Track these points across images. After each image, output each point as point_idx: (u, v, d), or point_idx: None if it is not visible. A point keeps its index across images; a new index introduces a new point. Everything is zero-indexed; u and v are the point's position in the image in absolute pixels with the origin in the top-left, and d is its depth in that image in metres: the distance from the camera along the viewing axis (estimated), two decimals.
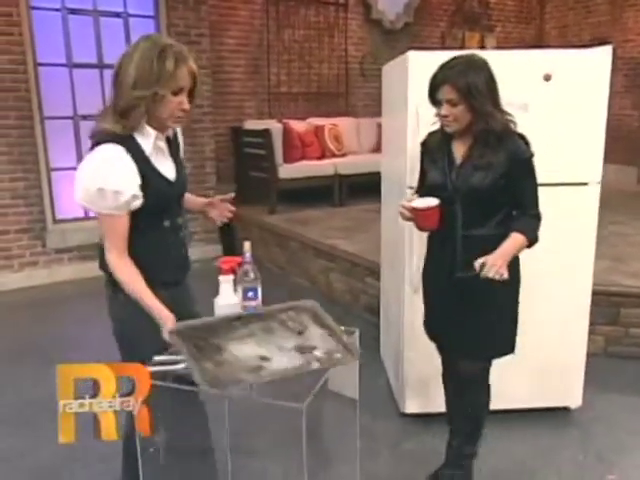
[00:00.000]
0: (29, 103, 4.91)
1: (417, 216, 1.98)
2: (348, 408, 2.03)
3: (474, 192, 1.94)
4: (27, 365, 3.43)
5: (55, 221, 5.25)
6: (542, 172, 2.53)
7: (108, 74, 5.01)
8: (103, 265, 1.76)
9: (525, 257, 2.57)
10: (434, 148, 2.05)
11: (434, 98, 1.93)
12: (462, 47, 7.96)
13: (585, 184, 2.61)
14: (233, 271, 1.73)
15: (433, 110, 1.99)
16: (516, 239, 1.94)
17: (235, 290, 1.73)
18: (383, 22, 7.45)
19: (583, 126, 2.55)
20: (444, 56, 1.96)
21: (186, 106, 1.66)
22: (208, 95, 5.73)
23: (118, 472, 2.04)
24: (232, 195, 2.05)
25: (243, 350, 1.46)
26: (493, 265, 1.82)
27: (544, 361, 2.75)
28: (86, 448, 2.23)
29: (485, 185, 1.92)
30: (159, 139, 1.70)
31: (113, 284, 1.74)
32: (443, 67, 1.91)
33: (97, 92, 5.25)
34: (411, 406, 2.80)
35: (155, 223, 1.76)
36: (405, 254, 2.64)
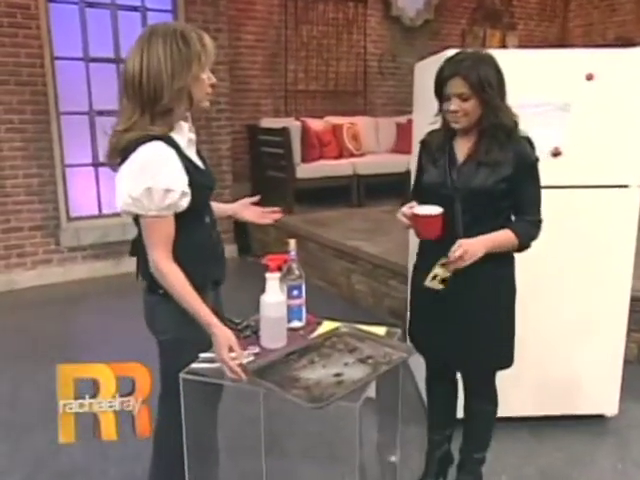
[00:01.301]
0: (45, 97, 4.97)
1: (418, 224, 1.91)
2: (386, 416, 2.08)
3: (475, 193, 1.91)
4: (43, 364, 3.46)
5: (69, 219, 5.31)
6: (581, 174, 2.59)
7: None
8: (144, 272, 1.75)
9: (563, 262, 2.62)
10: (434, 147, 2.02)
11: (441, 93, 1.90)
12: (483, 45, 7.98)
13: (626, 186, 2.62)
14: (279, 269, 1.76)
15: None
16: (505, 234, 1.91)
17: (281, 288, 1.75)
18: (403, 19, 7.49)
19: (625, 126, 2.56)
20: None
21: (214, 79, 1.66)
22: (225, 92, 5.77)
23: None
24: (257, 198, 2.08)
25: (316, 374, 1.58)
26: (466, 248, 1.79)
27: (579, 368, 2.77)
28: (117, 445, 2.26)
29: (487, 187, 1.89)
30: (191, 131, 1.71)
31: (158, 291, 1.70)
32: (451, 60, 1.90)
33: (113, 87, 5.25)
34: None
35: (199, 220, 1.76)
36: None
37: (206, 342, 1.70)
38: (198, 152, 1.80)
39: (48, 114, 5.01)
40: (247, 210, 2.06)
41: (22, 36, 4.77)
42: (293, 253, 1.81)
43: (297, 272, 1.80)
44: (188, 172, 1.65)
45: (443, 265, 1.85)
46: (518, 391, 2.69)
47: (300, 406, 1.43)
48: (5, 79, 4.77)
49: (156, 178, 1.57)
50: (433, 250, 1.93)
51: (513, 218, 1.99)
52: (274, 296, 1.73)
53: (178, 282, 1.63)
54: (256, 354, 1.69)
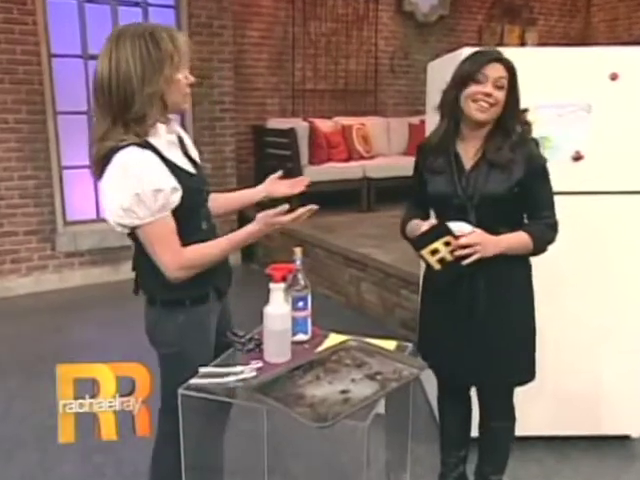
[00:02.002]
0: (42, 96, 5.00)
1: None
2: (396, 434, 2.06)
3: (489, 200, 1.91)
4: (36, 378, 3.46)
5: (66, 223, 5.32)
6: (603, 179, 2.56)
7: None
8: (144, 285, 1.78)
9: (583, 271, 2.59)
10: (435, 154, 2.00)
11: (477, 74, 1.86)
12: (501, 42, 7.97)
13: None
14: (284, 279, 1.75)
15: None
16: (519, 236, 1.92)
17: (286, 299, 1.74)
18: (416, 15, 7.48)
19: None
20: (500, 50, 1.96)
21: (192, 79, 1.66)
22: (229, 91, 5.78)
23: None
24: (280, 173, 2.05)
25: (321, 391, 1.56)
26: (478, 240, 1.80)
27: (602, 383, 2.73)
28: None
29: (501, 192, 1.90)
30: (168, 132, 1.70)
31: (171, 303, 1.73)
32: (485, 51, 1.93)
33: None
34: None
35: (194, 227, 1.74)
36: None
37: (208, 355, 1.73)
38: (186, 153, 1.79)
39: (44, 114, 5.04)
40: (278, 185, 2.03)
41: (18, 32, 4.80)
42: (299, 262, 1.80)
43: (303, 282, 1.79)
44: (172, 174, 1.64)
45: (447, 244, 1.82)
46: (536, 408, 2.65)
47: (305, 425, 1.41)
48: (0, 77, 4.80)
49: (141, 181, 1.56)
50: None
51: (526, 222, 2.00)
52: (278, 308, 1.72)
53: (203, 256, 1.68)
54: (259, 369, 1.68)
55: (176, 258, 1.63)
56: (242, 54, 6.38)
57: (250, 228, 1.74)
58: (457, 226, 1.85)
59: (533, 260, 2.06)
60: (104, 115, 1.60)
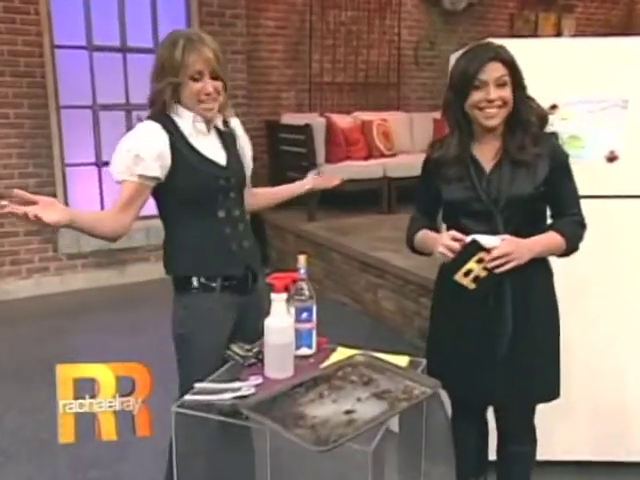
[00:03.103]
0: (44, 90, 5.05)
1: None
2: (410, 453, 2.03)
3: (515, 201, 1.88)
4: (33, 388, 3.47)
5: None
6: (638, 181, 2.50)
7: (132, 59, 5.14)
8: (167, 263, 1.98)
9: (616, 280, 2.53)
10: (453, 161, 1.94)
11: (474, 80, 1.83)
12: (535, 32, 7.87)
13: None
14: (286, 289, 1.73)
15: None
16: (552, 236, 1.90)
17: (288, 310, 1.72)
18: (443, 2, 7.44)
19: None
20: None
21: (208, 90, 1.85)
22: (242, 84, 5.79)
23: None
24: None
25: (324, 410, 1.54)
26: (510, 248, 1.77)
27: (635, 402, 2.66)
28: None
29: (528, 192, 1.88)
30: (197, 121, 1.89)
31: (180, 284, 1.94)
32: (479, 48, 1.90)
33: (119, 79, 5.37)
34: None
35: (208, 212, 1.90)
36: None
37: (215, 346, 1.88)
38: (230, 150, 1.99)
39: (47, 108, 5.08)
40: (319, 180, 2.35)
41: (19, 22, 4.85)
42: (303, 271, 1.78)
43: (307, 292, 1.77)
44: (180, 152, 1.86)
45: (480, 261, 1.79)
46: (560, 430, 2.61)
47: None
48: (0, 69, 4.84)
49: (131, 143, 1.83)
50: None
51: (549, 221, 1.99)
52: (280, 320, 1.70)
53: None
54: (258, 385, 1.66)
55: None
56: (256, 45, 6.39)
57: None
58: (485, 239, 1.81)
59: (559, 269, 2.02)
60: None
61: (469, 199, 1.92)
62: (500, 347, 1.94)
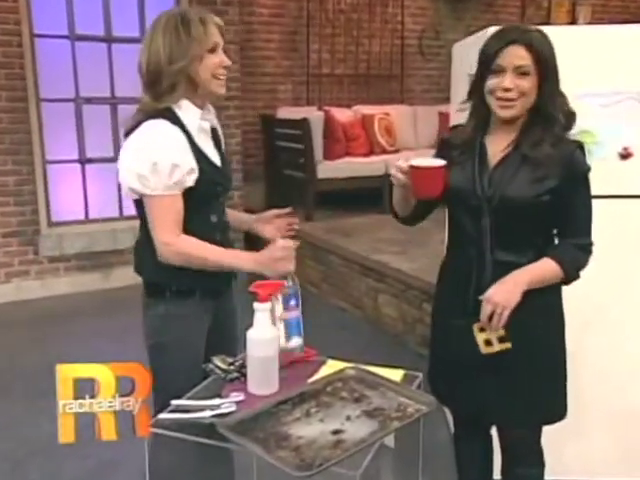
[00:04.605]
0: (24, 82, 5.01)
1: (416, 177, 1.81)
2: (404, 467, 1.99)
3: (509, 204, 1.81)
4: (14, 402, 3.43)
5: (50, 224, 5.32)
6: None
7: (117, 49, 5.09)
8: (141, 267, 1.96)
9: (628, 287, 2.50)
10: (460, 146, 1.92)
11: (492, 63, 1.77)
12: (548, 19, 7.84)
13: None
14: (271, 298, 1.69)
15: None
16: (546, 265, 1.82)
17: (273, 322, 1.69)
18: None
19: None
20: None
21: (228, 62, 1.87)
22: (236, 76, 5.74)
23: None
24: (289, 210, 2.15)
25: (310, 430, 1.51)
26: (495, 300, 1.73)
27: None
28: None
29: (526, 197, 1.79)
30: (203, 119, 1.89)
31: (153, 291, 1.93)
32: (506, 28, 1.82)
33: (104, 70, 5.33)
34: None
35: (203, 217, 1.91)
36: None
37: (192, 355, 1.91)
38: (219, 147, 2.00)
39: (26, 101, 5.04)
40: (266, 226, 2.14)
41: None
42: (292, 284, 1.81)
43: (291, 281, 1.82)
44: (195, 159, 1.84)
45: (482, 329, 1.81)
46: (570, 449, 2.58)
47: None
48: None
49: (163, 152, 1.77)
50: (454, 277, 1.94)
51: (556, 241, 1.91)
52: (263, 331, 1.66)
53: (189, 247, 1.82)
54: (240, 402, 1.62)
55: (172, 240, 1.80)
56: (250, 34, 6.37)
57: (251, 264, 1.84)
58: (427, 161, 1.85)
59: None
60: (146, 93, 1.86)
61: (466, 191, 1.86)
62: (495, 363, 1.88)
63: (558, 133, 1.80)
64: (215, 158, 1.94)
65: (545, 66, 1.76)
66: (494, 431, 2.14)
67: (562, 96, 1.83)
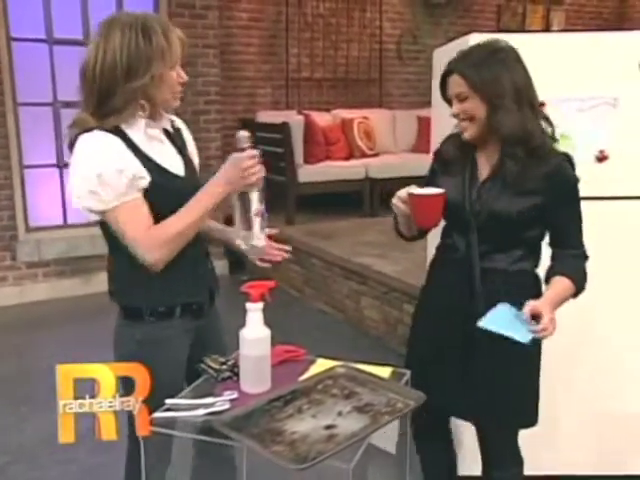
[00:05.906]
0: (0, 86, 4.99)
1: (415, 205, 1.86)
2: (390, 468, 2.05)
3: (496, 219, 1.88)
4: None
5: (28, 229, 5.31)
6: (630, 182, 2.55)
7: None
8: (116, 292, 1.87)
9: (609, 289, 2.56)
10: (452, 158, 1.98)
11: (446, 96, 1.92)
12: (522, 25, 7.97)
13: None
14: (263, 298, 1.74)
15: None
16: (563, 284, 1.86)
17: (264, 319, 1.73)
18: None
19: None
20: (510, 37, 1.94)
21: (184, 78, 1.75)
22: (215, 80, 5.77)
23: None
24: (275, 231, 1.96)
25: (303, 426, 1.55)
26: (551, 316, 1.75)
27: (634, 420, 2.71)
28: None
29: (512, 213, 1.85)
30: (149, 126, 1.75)
31: (130, 314, 1.84)
32: (450, 60, 1.90)
33: None
34: (466, 467, 2.76)
35: None
36: None
37: (173, 380, 1.82)
38: (184, 156, 1.87)
39: (3, 105, 5.02)
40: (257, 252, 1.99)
41: None
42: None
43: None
44: (146, 168, 1.71)
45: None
46: (561, 441, 2.64)
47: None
48: None
49: (103, 161, 1.65)
50: (445, 268, 1.98)
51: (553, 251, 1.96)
52: (256, 331, 1.70)
53: (171, 228, 1.69)
54: (233, 400, 1.67)
55: (147, 239, 1.68)
56: (229, 38, 6.39)
57: (224, 187, 1.71)
58: (426, 190, 1.88)
59: None
60: (87, 104, 1.70)
61: (457, 205, 1.91)
62: (470, 364, 1.96)
63: (536, 147, 1.83)
64: (175, 166, 1.81)
65: (481, 88, 1.81)
66: (471, 436, 2.18)
67: (526, 118, 1.82)
